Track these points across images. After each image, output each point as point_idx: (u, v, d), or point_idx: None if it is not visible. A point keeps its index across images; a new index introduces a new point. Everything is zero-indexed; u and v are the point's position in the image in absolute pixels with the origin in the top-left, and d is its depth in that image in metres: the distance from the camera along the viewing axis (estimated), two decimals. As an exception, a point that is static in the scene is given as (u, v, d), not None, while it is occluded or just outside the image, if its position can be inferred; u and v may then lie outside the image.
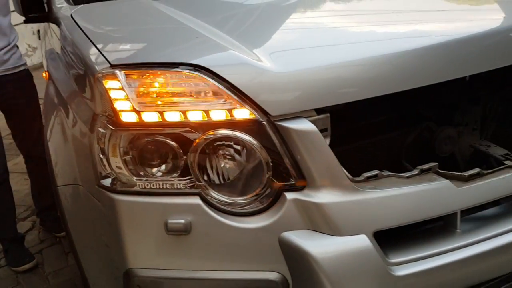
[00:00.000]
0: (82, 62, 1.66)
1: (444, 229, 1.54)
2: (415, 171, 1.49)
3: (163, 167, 1.45)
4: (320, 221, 1.41)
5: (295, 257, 1.41)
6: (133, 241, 1.47)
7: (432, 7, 1.91)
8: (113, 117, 1.44)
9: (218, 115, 1.40)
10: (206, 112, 1.40)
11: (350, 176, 1.43)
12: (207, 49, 1.56)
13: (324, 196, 1.41)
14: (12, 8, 2.72)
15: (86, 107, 1.60)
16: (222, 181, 1.44)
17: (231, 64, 1.45)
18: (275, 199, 1.43)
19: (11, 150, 3.85)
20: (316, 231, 1.42)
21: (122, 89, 1.43)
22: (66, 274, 2.98)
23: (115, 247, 1.51)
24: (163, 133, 1.42)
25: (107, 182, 1.48)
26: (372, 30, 1.72)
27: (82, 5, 2.18)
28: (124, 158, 1.45)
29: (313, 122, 1.41)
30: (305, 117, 1.41)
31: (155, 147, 1.44)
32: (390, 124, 1.75)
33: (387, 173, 1.48)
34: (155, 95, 1.42)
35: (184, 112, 1.40)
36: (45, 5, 2.39)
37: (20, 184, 3.97)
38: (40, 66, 4.80)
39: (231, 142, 1.41)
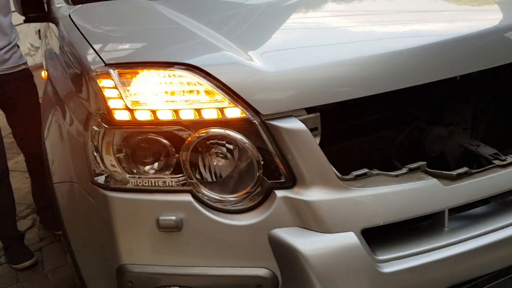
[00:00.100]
0: (78, 61, 1.69)
1: (432, 227, 1.55)
2: (404, 170, 1.51)
3: (155, 165, 1.48)
4: (309, 218, 1.43)
5: (284, 254, 1.43)
6: (126, 237, 1.49)
7: (422, 8, 1.92)
8: (106, 115, 1.46)
9: (210, 114, 1.42)
10: (198, 111, 1.42)
11: (339, 174, 1.45)
12: (200, 49, 1.58)
13: (313, 194, 1.43)
14: (13, 8, 2.75)
15: (82, 106, 1.62)
16: (213, 179, 1.46)
17: (223, 63, 1.47)
18: (265, 197, 1.45)
19: (12, 149, 3.87)
20: (306, 228, 1.44)
21: (115, 87, 1.45)
22: (65, 272, 3.00)
23: (109, 244, 1.53)
24: (156, 131, 1.44)
25: (100, 179, 1.50)
26: (363, 30, 1.73)
27: (80, 5, 2.21)
28: (117, 156, 1.47)
29: (303, 121, 1.42)
30: (295, 116, 1.43)
31: (148, 145, 1.46)
32: (380, 123, 1.77)
33: (376, 171, 1.49)
34: (148, 94, 1.44)
35: (176, 111, 1.42)
36: (45, 5, 2.42)
37: (21, 182, 4.00)
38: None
39: (222, 140, 1.43)
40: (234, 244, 1.46)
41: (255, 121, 1.42)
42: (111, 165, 1.48)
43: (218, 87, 1.42)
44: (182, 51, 1.59)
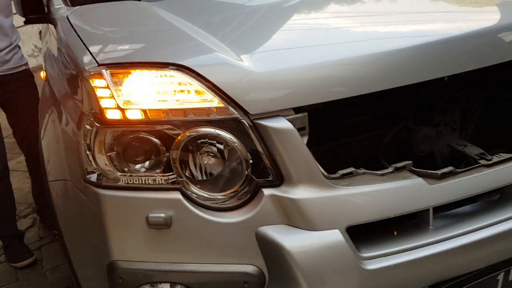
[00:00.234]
0: (73, 62, 1.72)
1: (417, 225, 1.57)
2: (390, 169, 1.53)
3: (146, 163, 1.50)
4: (296, 216, 1.45)
5: (271, 251, 1.46)
6: (117, 234, 1.52)
7: (411, 9, 1.94)
8: (99, 114, 1.49)
9: (200, 113, 1.45)
10: (188, 110, 1.45)
11: (325, 173, 1.48)
12: (191, 49, 1.61)
13: (300, 192, 1.45)
14: (14, 10, 2.78)
15: (76, 106, 1.65)
16: (202, 178, 1.49)
17: (213, 64, 1.50)
18: (253, 195, 1.47)
19: (14, 149, 3.90)
20: (292, 226, 1.46)
21: (107, 87, 1.48)
22: (64, 271, 3.02)
23: (101, 241, 1.56)
24: (147, 130, 1.47)
25: (93, 177, 1.53)
26: (351, 31, 1.75)
27: (78, 6, 2.24)
28: (109, 154, 1.50)
29: (290, 121, 1.45)
30: (283, 116, 1.45)
31: (139, 144, 1.49)
32: (369, 123, 1.79)
33: (362, 170, 1.52)
34: (139, 94, 1.47)
35: (167, 110, 1.45)
36: (45, 6, 2.45)
37: (22, 182, 4.04)
38: (45, 66, 4.85)
39: (212, 139, 1.46)
40: (222, 241, 1.49)
41: (243, 120, 1.44)
42: (103, 163, 1.51)
43: (208, 87, 1.44)
44: (174, 52, 1.62)
